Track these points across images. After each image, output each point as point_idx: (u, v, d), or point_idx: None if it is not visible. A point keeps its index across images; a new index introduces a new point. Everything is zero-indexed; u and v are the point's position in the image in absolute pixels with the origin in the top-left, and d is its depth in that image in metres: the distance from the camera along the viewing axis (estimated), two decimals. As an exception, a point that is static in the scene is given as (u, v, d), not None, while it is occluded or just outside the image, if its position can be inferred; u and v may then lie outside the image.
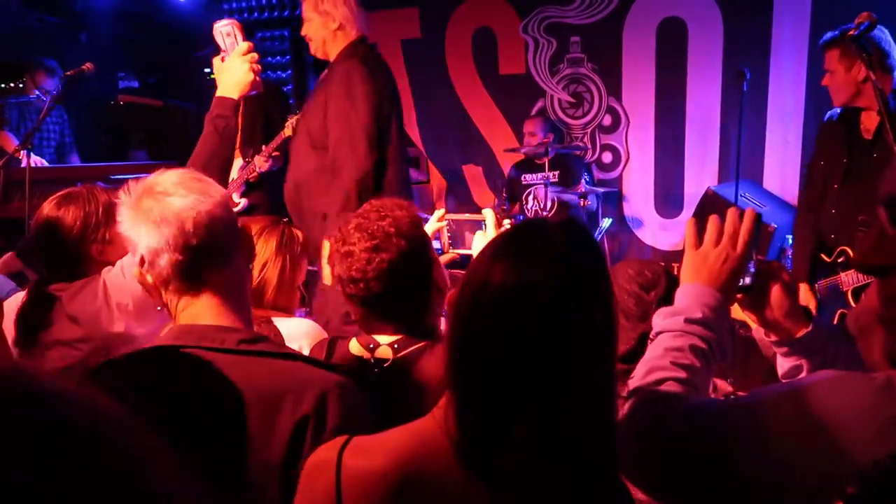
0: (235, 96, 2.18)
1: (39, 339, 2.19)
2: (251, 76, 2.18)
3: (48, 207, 2.30)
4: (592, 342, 1.07)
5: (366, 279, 1.66)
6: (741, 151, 4.47)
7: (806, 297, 3.29)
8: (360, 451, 1.11)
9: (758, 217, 1.38)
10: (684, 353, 1.25)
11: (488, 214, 2.19)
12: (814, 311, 3.26)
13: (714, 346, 1.28)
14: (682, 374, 1.23)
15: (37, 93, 5.67)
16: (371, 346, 1.70)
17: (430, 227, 2.20)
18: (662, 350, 1.26)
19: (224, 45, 2.22)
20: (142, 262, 1.41)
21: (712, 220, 1.36)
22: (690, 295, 1.31)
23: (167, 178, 1.42)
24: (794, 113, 5.10)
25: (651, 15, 5.50)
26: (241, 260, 1.49)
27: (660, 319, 1.31)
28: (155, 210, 1.37)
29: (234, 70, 2.18)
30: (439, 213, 2.29)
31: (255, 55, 2.21)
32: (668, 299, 1.62)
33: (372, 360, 1.68)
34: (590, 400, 1.07)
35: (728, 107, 5.30)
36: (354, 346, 1.72)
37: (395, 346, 1.68)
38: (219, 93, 2.20)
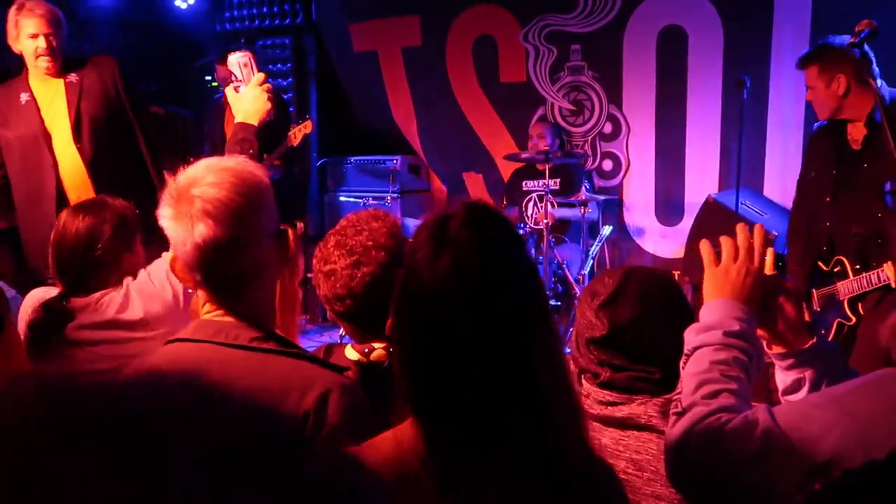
0: (255, 123, 2.31)
1: (53, 348, 2.23)
2: (269, 105, 2.33)
3: (79, 219, 2.31)
4: (513, 324, 1.06)
5: (351, 295, 1.66)
6: (741, 159, 4.47)
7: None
8: None
9: (766, 232, 1.41)
10: (730, 366, 1.28)
11: None
12: (810, 304, 3.28)
13: (754, 357, 1.31)
14: (733, 386, 1.26)
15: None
16: (367, 350, 1.70)
17: None
18: (708, 363, 1.28)
19: (241, 75, 2.39)
20: (175, 255, 1.43)
21: (725, 239, 1.40)
22: (721, 310, 1.34)
23: (208, 174, 1.41)
24: (794, 121, 5.11)
25: (651, 23, 5.51)
26: (273, 264, 1.49)
27: (693, 335, 1.34)
28: (196, 204, 1.36)
29: (254, 99, 2.32)
30: None
31: (269, 85, 2.36)
32: (611, 302, 1.60)
33: (368, 364, 1.68)
34: (532, 382, 1.06)
35: (728, 115, 5.30)
36: (350, 352, 1.72)
37: (391, 349, 1.68)
38: (239, 119, 2.31)
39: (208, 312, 1.46)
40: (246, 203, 1.38)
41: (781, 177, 5.19)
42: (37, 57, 3.58)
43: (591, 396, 1.57)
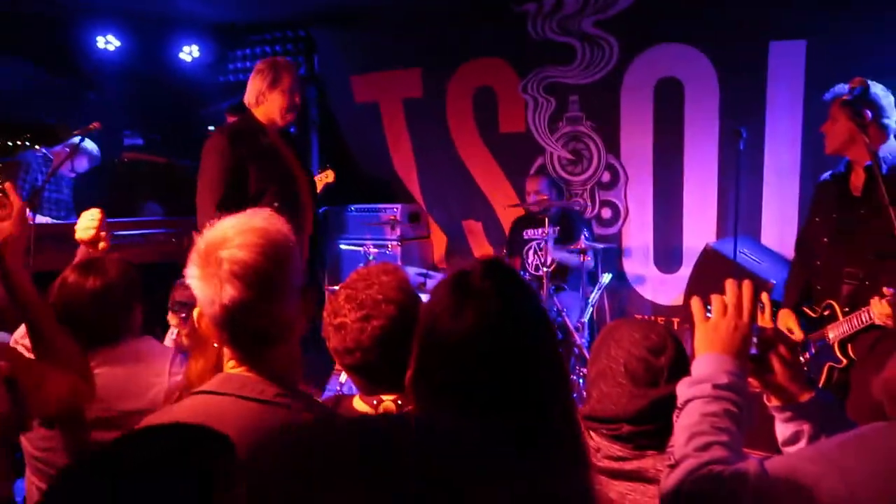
0: None
1: None
2: None
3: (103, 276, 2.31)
4: (531, 367, 1.13)
5: (361, 348, 1.68)
6: (739, 208, 4.53)
7: (787, 320, 3.37)
8: None
9: (756, 286, 1.44)
10: (721, 418, 1.30)
11: None
12: (798, 334, 3.31)
13: (743, 409, 1.33)
14: (724, 438, 1.27)
15: (44, 150, 5.76)
16: (375, 402, 1.71)
17: None
18: (699, 416, 1.30)
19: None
20: (201, 312, 1.46)
21: (715, 296, 1.44)
22: (711, 363, 1.37)
23: (235, 235, 1.43)
24: (791, 169, 5.17)
25: (648, 75, 5.61)
26: (297, 321, 1.52)
27: (685, 388, 1.36)
28: (224, 266, 1.39)
29: None
30: None
31: None
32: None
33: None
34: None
35: (725, 164, 5.37)
36: (359, 404, 1.73)
37: (399, 402, 1.70)
38: None
39: (233, 368, 1.48)
40: (272, 265, 1.41)
41: (779, 225, 5.24)
42: (288, 110, 3.78)
43: (602, 451, 1.59)
